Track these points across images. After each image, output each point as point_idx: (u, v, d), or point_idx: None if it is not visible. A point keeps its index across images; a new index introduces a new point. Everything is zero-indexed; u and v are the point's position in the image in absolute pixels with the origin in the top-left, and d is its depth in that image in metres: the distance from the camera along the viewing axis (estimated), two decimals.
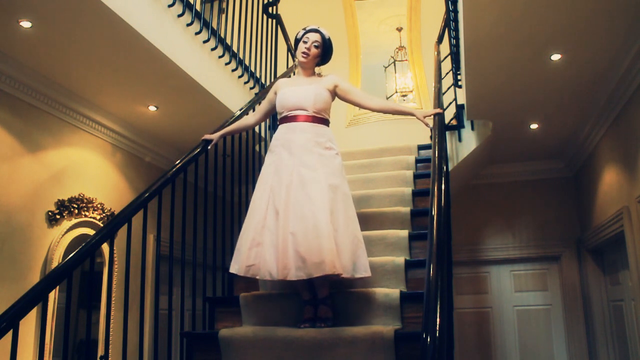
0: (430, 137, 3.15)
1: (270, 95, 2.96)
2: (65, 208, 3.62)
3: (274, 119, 4.56)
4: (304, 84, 2.81)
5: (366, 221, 3.17)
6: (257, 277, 2.50)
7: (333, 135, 2.76)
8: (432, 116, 2.85)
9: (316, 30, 2.84)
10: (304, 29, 2.87)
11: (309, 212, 2.42)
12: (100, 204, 3.96)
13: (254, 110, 3.47)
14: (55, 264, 3.43)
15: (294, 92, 2.77)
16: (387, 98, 7.73)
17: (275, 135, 2.76)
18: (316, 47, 2.82)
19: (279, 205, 2.50)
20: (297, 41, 2.89)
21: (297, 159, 2.58)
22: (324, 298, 2.53)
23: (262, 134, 4.34)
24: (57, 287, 2.24)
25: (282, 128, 2.74)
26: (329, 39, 2.88)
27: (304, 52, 2.81)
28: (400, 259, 2.76)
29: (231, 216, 3.29)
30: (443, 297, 1.42)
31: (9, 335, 1.80)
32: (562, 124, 4.58)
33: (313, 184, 2.50)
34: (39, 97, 3.44)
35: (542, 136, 4.82)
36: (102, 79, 3.49)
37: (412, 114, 2.86)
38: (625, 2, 2.85)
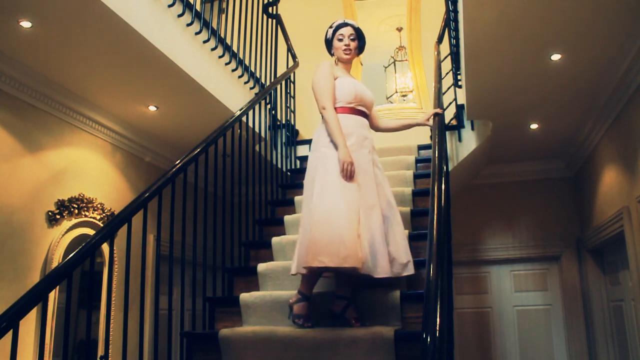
0: (430, 137, 3.15)
1: (332, 76, 2.71)
2: (65, 208, 3.62)
3: (274, 119, 4.57)
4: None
5: None
6: (362, 272, 2.37)
7: None
8: (432, 116, 2.90)
9: (345, 24, 2.82)
10: (331, 26, 2.84)
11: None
12: (100, 204, 3.96)
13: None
14: (55, 264, 3.43)
15: (361, 87, 2.78)
16: (387, 98, 7.75)
17: (343, 123, 2.59)
18: (353, 39, 2.80)
19: (372, 201, 2.51)
20: (328, 41, 2.85)
21: (372, 157, 2.65)
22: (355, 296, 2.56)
23: (262, 134, 4.34)
24: (57, 287, 2.24)
25: (352, 119, 2.66)
26: (359, 28, 2.87)
27: (345, 50, 2.78)
28: None
29: (231, 216, 3.29)
30: (443, 297, 1.42)
31: (9, 335, 1.80)
32: (562, 124, 4.58)
33: (386, 184, 2.68)
34: (39, 97, 3.44)
35: (542, 136, 4.82)
36: (102, 78, 3.49)
37: (417, 124, 3.00)
38: (625, 2, 2.85)
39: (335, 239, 2.30)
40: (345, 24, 2.81)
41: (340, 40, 2.78)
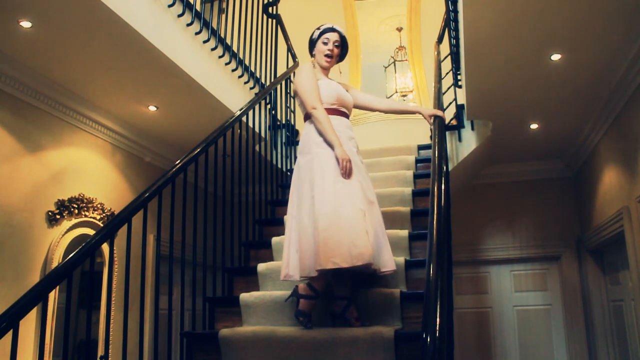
0: (430, 137, 3.15)
1: (314, 77, 2.76)
2: (65, 208, 3.62)
3: (274, 119, 4.57)
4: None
5: None
6: (374, 268, 2.41)
7: None
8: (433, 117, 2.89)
9: (333, 29, 2.81)
10: (319, 28, 2.84)
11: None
12: (100, 204, 3.96)
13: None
14: (55, 264, 3.43)
15: (341, 89, 2.80)
16: (387, 98, 7.75)
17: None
18: (337, 46, 2.81)
19: (371, 197, 2.56)
20: (312, 42, 2.85)
21: (359, 156, 2.69)
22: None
23: (262, 134, 4.34)
24: (57, 287, 2.24)
25: (337, 119, 2.68)
26: (345, 36, 2.87)
27: (327, 55, 2.79)
28: (400, 259, 2.75)
29: (231, 216, 3.29)
30: (443, 297, 1.42)
31: (9, 335, 1.80)
32: (562, 124, 4.58)
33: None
34: (39, 97, 3.44)
35: (542, 136, 4.82)
36: (102, 78, 3.49)
37: (418, 112, 2.96)
38: (624, 2, 2.85)
39: (345, 239, 2.31)
40: (333, 29, 2.82)
41: (325, 44, 2.79)
